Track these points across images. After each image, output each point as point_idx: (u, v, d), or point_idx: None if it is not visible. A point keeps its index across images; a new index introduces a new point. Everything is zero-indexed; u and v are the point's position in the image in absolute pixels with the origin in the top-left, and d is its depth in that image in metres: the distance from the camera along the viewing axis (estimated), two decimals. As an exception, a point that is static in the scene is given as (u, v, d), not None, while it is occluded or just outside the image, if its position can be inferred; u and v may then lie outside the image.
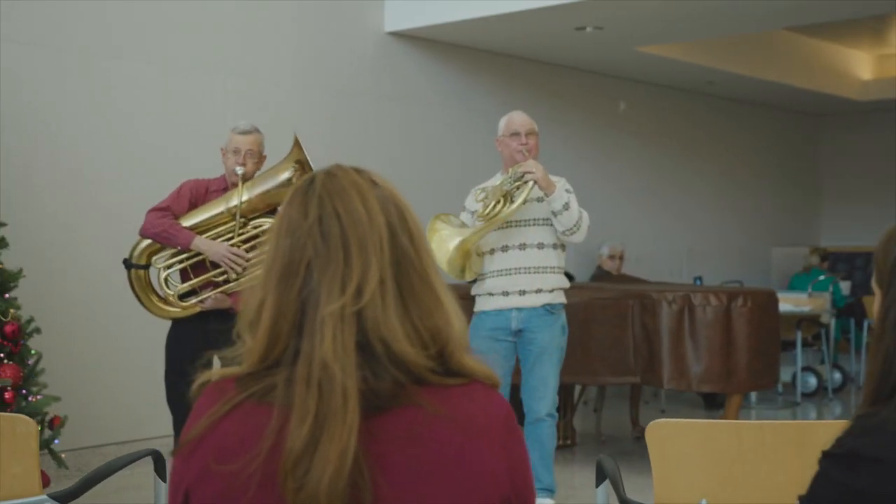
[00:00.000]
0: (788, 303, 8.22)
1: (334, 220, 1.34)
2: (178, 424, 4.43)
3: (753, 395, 8.07)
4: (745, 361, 5.45)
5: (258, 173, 4.41)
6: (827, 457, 1.40)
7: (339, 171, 1.41)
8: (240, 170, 4.32)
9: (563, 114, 8.66)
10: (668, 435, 2.42)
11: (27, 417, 2.50)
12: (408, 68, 7.47)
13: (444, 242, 4.47)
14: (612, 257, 8.27)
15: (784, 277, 10.52)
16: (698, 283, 8.84)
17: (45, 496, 2.50)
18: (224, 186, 4.45)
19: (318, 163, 6.81)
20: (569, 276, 7.92)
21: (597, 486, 2.77)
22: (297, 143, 4.34)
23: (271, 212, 4.42)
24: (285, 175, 4.42)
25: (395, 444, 1.29)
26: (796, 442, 2.34)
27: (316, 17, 6.84)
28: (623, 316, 5.65)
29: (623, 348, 5.63)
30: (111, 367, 5.61)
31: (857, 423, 1.40)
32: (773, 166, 11.54)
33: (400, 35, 7.35)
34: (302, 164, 4.39)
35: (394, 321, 1.31)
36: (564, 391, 6.36)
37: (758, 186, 11.20)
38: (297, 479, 1.24)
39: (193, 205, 4.38)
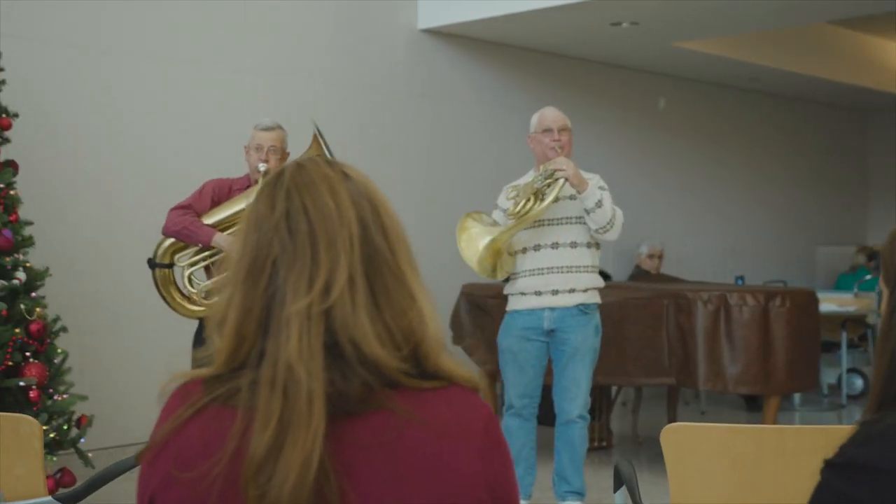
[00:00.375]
0: (833, 303, 8.04)
1: (302, 215, 1.28)
2: None
3: (797, 397, 7.91)
4: (783, 363, 5.31)
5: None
6: (828, 466, 1.32)
7: (310, 163, 1.35)
8: (262, 167, 4.29)
9: (599, 110, 8.54)
10: (684, 439, 2.33)
11: (31, 418, 2.47)
12: (441, 65, 7.41)
13: (473, 241, 4.40)
14: (651, 256, 8.18)
15: (830, 277, 10.31)
16: (740, 282, 8.66)
17: (49, 498, 2.46)
18: (247, 185, 4.42)
19: (347, 160, 6.80)
20: (605, 276, 7.84)
21: (614, 490, 2.68)
22: (315, 138, 4.29)
23: None
24: None
25: (364, 450, 1.22)
26: (818, 447, 2.23)
27: (349, 14, 6.81)
28: (657, 316, 5.54)
29: (657, 349, 5.52)
30: (139, 366, 5.61)
31: (860, 429, 1.31)
32: (819, 163, 11.32)
33: (433, 32, 7.30)
34: (321, 152, 4.34)
35: (364, 321, 1.25)
36: (600, 392, 6.26)
37: (802, 184, 10.99)
38: (260, 485, 1.18)
39: (216, 203, 4.36)
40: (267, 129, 4.35)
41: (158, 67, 5.88)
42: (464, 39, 7.50)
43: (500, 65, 7.79)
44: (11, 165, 4.50)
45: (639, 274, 8.09)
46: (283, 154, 4.39)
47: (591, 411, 6.20)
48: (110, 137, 5.66)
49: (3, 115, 4.42)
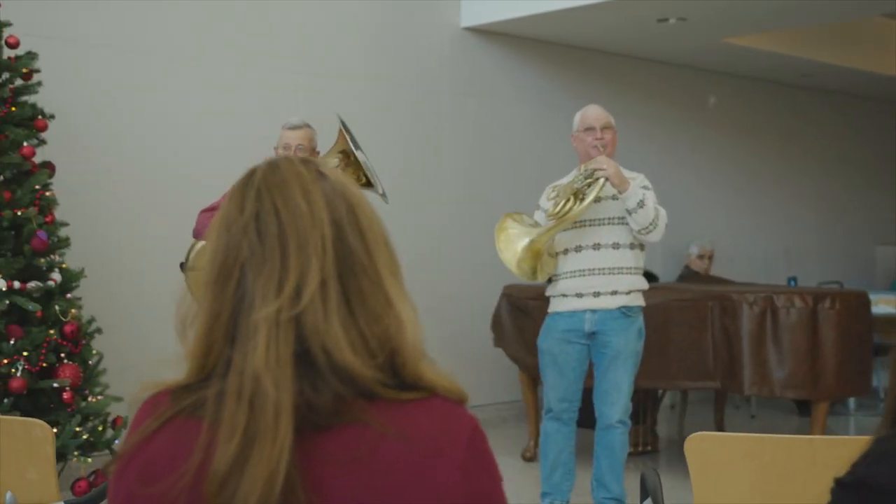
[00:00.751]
0: (890, 304, 7.80)
1: (272, 216, 1.21)
2: None
3: (852, 402, 7.69)
4: (832, 367, 5.14)
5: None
6: (839, 485, 1.22)
7: (284, 162, 1.28)
8: None
9: (646, 108, 8.37)
10: (710, 448, 2.22)
11: (42, 422, 2.44)
12: (484, 64, 7.31)
13: (511, 242, 4.32)
14: (700, 257, 8.01)
15: (889, 277, 10.03)
16: (792, 284, 8.46)
17: (62, 503, 2.44)
18: None
19: (390, 160, 6.78)
20: (652, 277, 7.72)
21: (640, 501, 2.59)
22: (341, 133, 4.23)
23: None
24: (331, 165, 4.36)
25: (335, 465, 1.15)
26: (850, 458, 2.12)
27: (391, 13, 6.76)
28: (702, 318, 5.40)
29: (702, 352, 5.38)
30: (176, 368, 5.59)
31: (873, 447, 1.21)
32: (877, 161, 11.02)
33: (476, 30, 7.21)
34: (347, 155, 4.29)
35: (336, 328, 1.18)
36: (645, 395, 6.14)
37: (860, 182, 10.71)
38: (223, 501, 1.12)
39: None
40: (294, 127, 4.31)
41: (197, 69, 5.87)
42: (507, 37, 7.41)
43: (543, 62, 7.67)
44: (48, 167, 4.52)
45: (688, 275, 7.93)
46: (313, 153, 4.34)
47: (636, 414, 6.12)
48: (146, 138, 5.65)
49: (39, 117, 4.44)
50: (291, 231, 1.20)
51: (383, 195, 4.46)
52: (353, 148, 4.17)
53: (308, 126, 4.34)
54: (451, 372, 1.27)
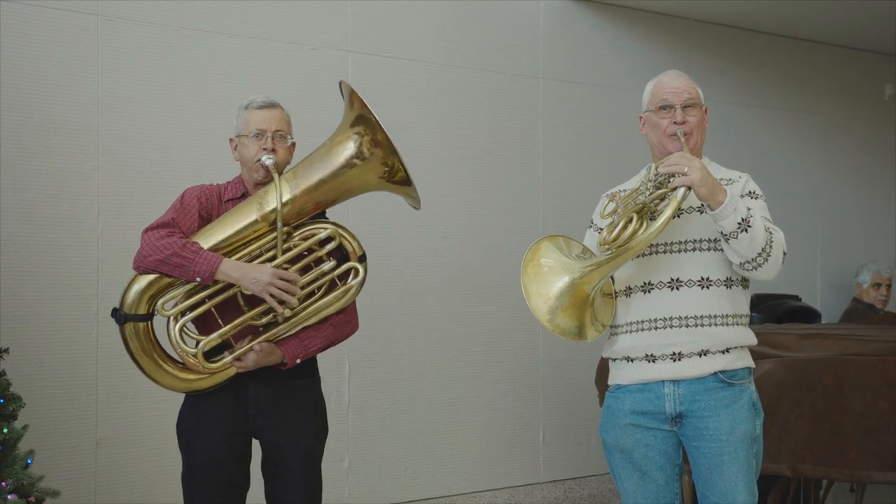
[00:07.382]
0: None
1: None
2: None
3: None
4: None
5: (289, 165, 3.11)
6: None
7: None
8: (269, 159, 3.00)
9: (801, 99, 7.09)
10: None
11: None
12: (592, 42, 6.09)
13: (544, 282, 2.82)
14: (876, 286, 6.73)
15: None
16: None
17: None
18: (243, 192, 3.13)
19: (472, 163, 5.50)
20: (813, 314, 6.14)
21: None
22: (352, 94, 3.03)
23: (321, 213, 3.10)
24: (347, 152, 3.05)
25: None
26: None
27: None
28: (894, 381, 3.86)
29: (895, 431, 3.83)
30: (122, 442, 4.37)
31: None
32: None
33: (583, 0, 6.02)
34: (367, 123, 3.01)
35: None
36: (806, 482, 4.67)
37: None
38: None
39: (205, 220, 3.07)
40: (266, 106, 3.10)
41: (241, 46, 4.78)
42: (623, 9, 6.17)
43: (671, 41, 6.41)
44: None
45: (858, 311, 6.60)
46: (291, 143, 3.12)
47: (795, 501, 4.66)
48: (186, 121, 4.61)
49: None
50: None
51: (415, 198, 3.15)
52: (376, 117, 2.96)
53: (281, 106, 3.13)
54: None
